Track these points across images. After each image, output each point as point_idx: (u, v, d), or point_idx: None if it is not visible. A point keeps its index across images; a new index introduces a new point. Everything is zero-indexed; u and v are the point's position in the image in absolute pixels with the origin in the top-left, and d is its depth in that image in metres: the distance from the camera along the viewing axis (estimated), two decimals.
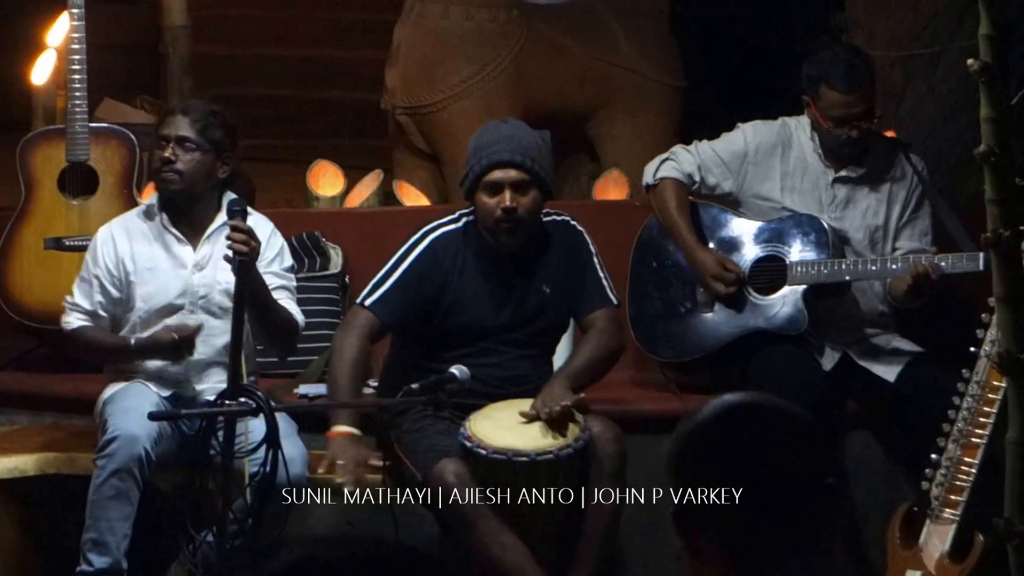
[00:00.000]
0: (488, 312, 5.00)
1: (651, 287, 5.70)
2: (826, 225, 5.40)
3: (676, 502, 2.48)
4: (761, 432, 2.50)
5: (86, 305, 5.08)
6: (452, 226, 5.05)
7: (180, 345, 4.94)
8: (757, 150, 5.52)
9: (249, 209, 5.04)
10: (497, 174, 4.91)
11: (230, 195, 5.17)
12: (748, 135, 5.56)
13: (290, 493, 4.72)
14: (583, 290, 5.08)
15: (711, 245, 5.56)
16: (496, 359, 4.99)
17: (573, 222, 5.16)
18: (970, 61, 2.76)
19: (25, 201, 5.81)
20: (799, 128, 5.53)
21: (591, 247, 5.12)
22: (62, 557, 5.02)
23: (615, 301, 5.12)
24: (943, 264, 5.21)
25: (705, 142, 5.60)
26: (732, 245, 5.54)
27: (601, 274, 5.10)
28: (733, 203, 5.60)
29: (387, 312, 4.96)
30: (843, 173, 5.49)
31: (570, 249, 5.09)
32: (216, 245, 5.08)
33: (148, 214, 5.16)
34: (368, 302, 4.97)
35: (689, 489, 2.48)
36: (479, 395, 4.87)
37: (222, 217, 5.07)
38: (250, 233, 4.74)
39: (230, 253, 4.71)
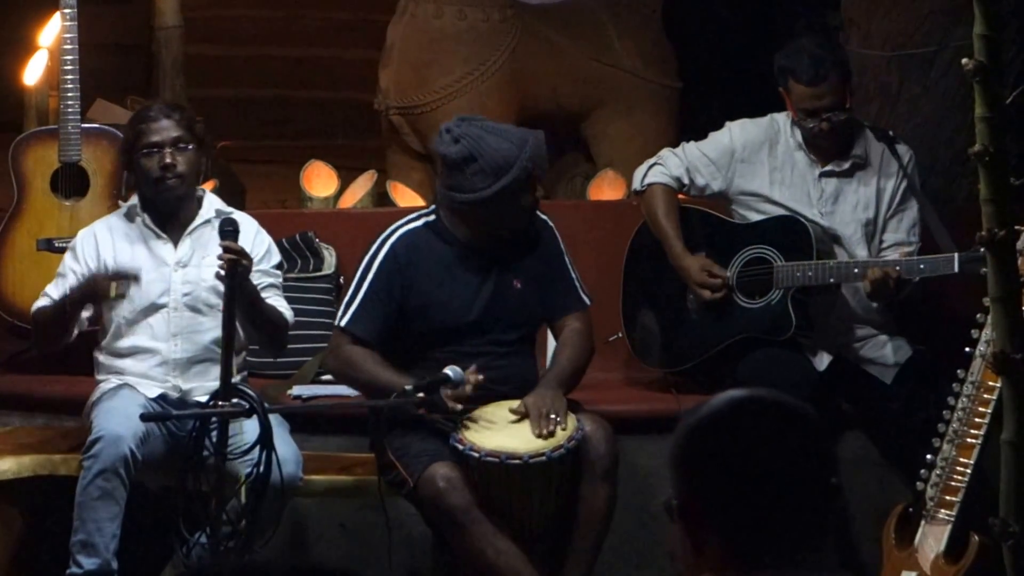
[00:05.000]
0: (461, 309, 4.95)
1: (643, 294, 5.69)
2: (809, 227, 5.39)
3: (677, 494, 2.48)
4: (767, 428, 2.50)
5: (56, 296, 5.07)
6: (411, 225, 5.02)
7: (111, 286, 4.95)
8: (744, 147, 5.52)
9: (232, 210, 5.07)
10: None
11: (209, 194, 5.21)
12: (735, 132, 5.55)
13: (283, 493, 4.71)
14: (557, 292, 5.06)
15: (701, 250, 5.54)
16: (480, 361, 4.91)
17: (543, 216, 5.13)
18: (965, 60, 2.75)
19: (17, 202, 5.80)
20: (786, 123, 5.54)
21: (561, 244, 5.10)
22: (55, 559, 5.00)
23: (588, 302, 5.10)
24: (922, 267, 5.20)
25: (692, 143, 5.59)
26: (721, 249, 5.52)
27: (573, 274, 5.09)
28: (723, 203, 5.59)
29: (364, 329, 4.93)
30: (829, 167, 5.49)
31: (542, 246, 5.06)
32: (199, 242, 5.09)
33: (129, 215, 5.16)
34: (344, 323, 4.96)
35: (691, 481, 2.48)
36: (471, 398, 4.83)
37: (204, 214, 5.12)
38: (241, 253, 4.73)
39: (214, 256, 4.72)
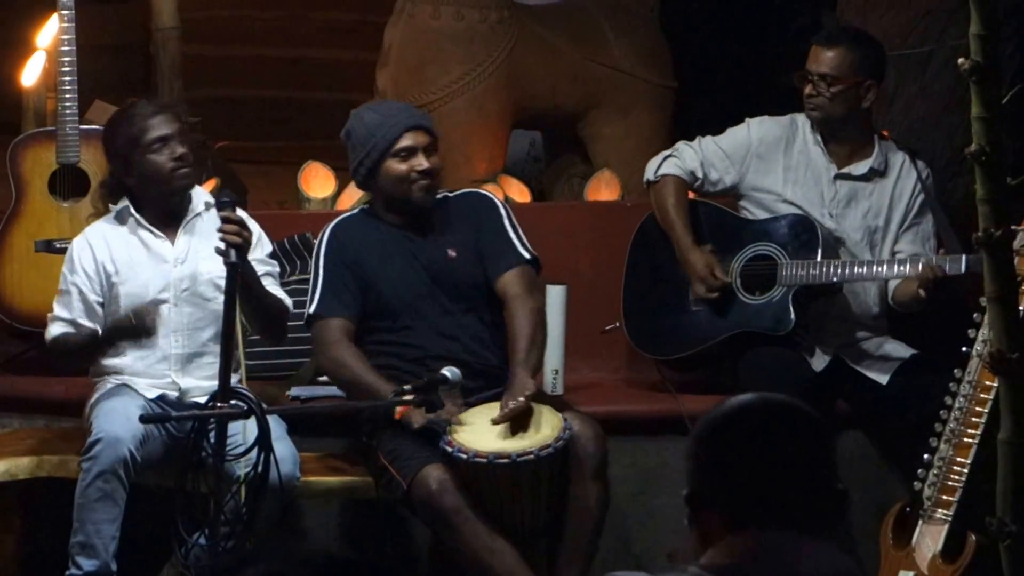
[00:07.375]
0: (403, 284, 5.08)
1: (645, 283, 5.71)
2: (818, 227, 5.41)
3: (688, 483, 2.55)
4: (778, 428, 2.57)
5: (67, 316, 5.06)
6: (345, 215, 5.29)
7: (138, 325, 4.92)
8: (761, 142, 5.55)
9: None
10: (408, 139, 5.08)
11: (197, 188, 5.23)
12: (753, 128, 5.59)
13: (281, 493, 4.71)
14: (492, 252, 5.14)
15: (707, 243, 5.55)
16: (435, 329, 5.05)
17: (483, 191, 5.35)
18: (961, 60, 2.76)
19: (16, 203, 5.80)
20: (806, 123, 5.56)
21: (502, 210, 5.22)
22: (54, 560, 5.00)
23: (527, 256, 5.15)
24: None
25: (709, 137, 5.62)
26: (727, 243, 5.54)
27: (512, 234, 5.17)
28: (734, 198, 5.61)
29: (336, 307, 5.06)
30: (846, 170, 5.50)
31: (478, 215, 5.20)
32: (194, 236, 5.09)
33: (120, 217, 5.15)
34: (312, 309, 5.08)
35: (702, 471, 2.57)
36: (442, 360, 4.84)
37: (194, 207, 5.13)
38: (241, 223, 4.74)
39: (221, 245, 4.69)
